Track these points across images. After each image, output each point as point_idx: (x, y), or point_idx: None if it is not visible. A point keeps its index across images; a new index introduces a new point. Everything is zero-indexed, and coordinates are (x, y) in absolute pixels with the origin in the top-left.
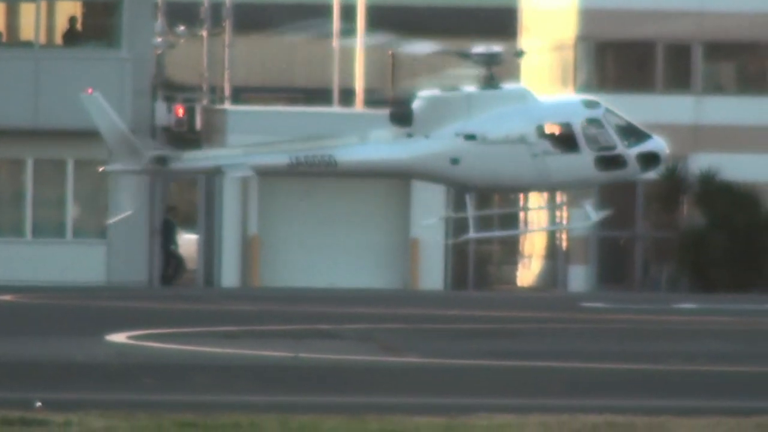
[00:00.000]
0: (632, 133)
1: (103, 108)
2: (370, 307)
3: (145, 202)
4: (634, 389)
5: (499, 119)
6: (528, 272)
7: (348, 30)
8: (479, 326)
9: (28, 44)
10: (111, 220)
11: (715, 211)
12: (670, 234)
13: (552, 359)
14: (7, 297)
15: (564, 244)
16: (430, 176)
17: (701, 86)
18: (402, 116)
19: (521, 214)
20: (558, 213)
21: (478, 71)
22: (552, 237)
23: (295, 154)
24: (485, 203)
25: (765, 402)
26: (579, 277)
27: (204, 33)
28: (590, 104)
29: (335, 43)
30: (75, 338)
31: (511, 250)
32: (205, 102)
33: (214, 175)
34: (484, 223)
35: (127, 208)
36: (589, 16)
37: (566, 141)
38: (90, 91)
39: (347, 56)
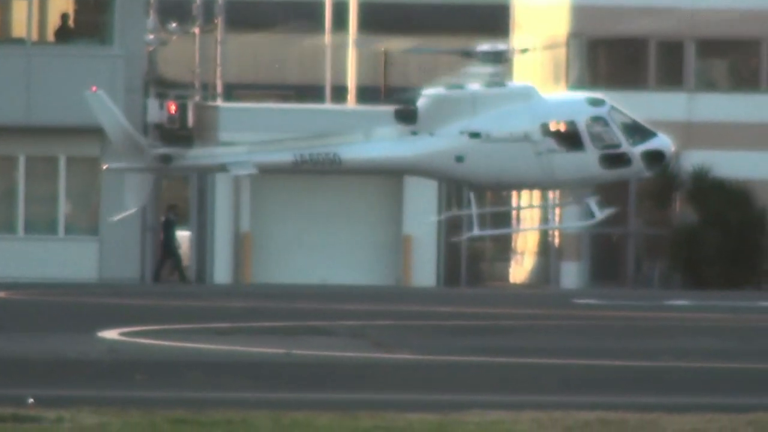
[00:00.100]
0: (637, 131)
1: (107, 106)
2: (363, 303)
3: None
4: (627, 386)
5: (504, 117)
6: (520, 269)
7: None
8: (472, 323)
9: (20, 41)
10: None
11: (708, 208)
12: (662, 231)
13: (544, 356)
14: None
15: (556, 241)
16: (435, 174)
17: (694, 83)
18: (407, 114)
19: (522, 213)
20: (552, 211)
21: (472, 69)
22: (544, 234)
23: (299, 151)
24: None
25: (757, 399)
26: (571, 274)
27: (196, 30)
28: (595, 102)
29: (327, 40)
30: (67, 335)
31: (504, 247)
32: (197, 99)
33: (218, 172)
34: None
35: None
36: (581, 13)
37: (571, 139)
38: (94, 89)
39: (339, 53)
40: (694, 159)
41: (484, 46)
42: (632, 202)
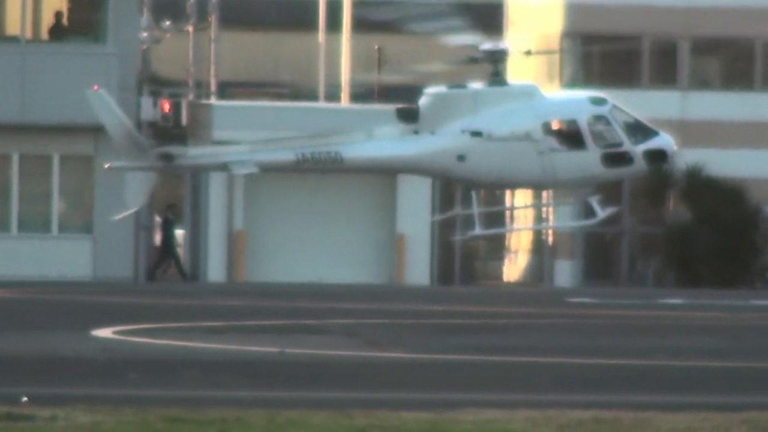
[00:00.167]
0: (639, 130)
1: (108, 105)
2: (357, 302)
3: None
4: (621, 384)
5: (505, 116)
6: (514, 267)
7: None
8: (465, 321)
9: (14, 39)
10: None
11: (702, 206)
12: (656, 229)
13: (538, 354)
14: None
15: (550, 240)
16: (436, 173)
17: (687, 82)
18: (408, 113)
19: (521, 212)
20: (554, 210)
21: (466, 67)
22: (538, 232)
23: (301, 150)
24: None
25: (751, 397)
26: (565, 273)
27: (190, 28)
28: (597, 101)
29: (321, 38)
30: (61, 333)
31: (498, 246)
32: (190, 97)
33: (219, 171)
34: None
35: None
36: (575, 11)
37: (572, 138)
38: (96, 87)
39: (333, 51)
40: (687, 157)
41: (487, 44)
42: (626, 200)
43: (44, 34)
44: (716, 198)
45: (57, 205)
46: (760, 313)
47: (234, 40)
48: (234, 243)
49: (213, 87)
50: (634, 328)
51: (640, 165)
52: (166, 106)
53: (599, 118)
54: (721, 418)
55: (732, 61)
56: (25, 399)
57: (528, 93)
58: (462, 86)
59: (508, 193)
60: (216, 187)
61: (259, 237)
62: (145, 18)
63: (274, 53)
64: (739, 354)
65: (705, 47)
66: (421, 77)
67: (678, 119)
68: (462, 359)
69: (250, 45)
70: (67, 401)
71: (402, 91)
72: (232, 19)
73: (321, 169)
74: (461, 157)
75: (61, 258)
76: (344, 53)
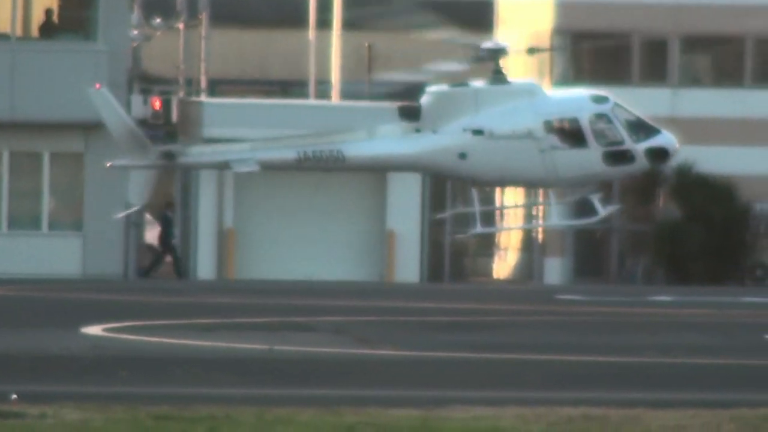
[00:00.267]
0: (641, 128)
1: (110, 103)
2: (346, 299)
3: (121, 196)
4: (610, 381)
5: (507, 114)
6: (504, 265)
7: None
8: (455, 318)
9: (4, 36)
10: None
11: (691, 203)
12: (646, 227)
13: (528, 352)
14: None
15: (540, 237)
16: (438, 171)
17: (677, 79)
18: (410, 111)
19: (519, 210)
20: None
21: (459, 65)
22: (528, 230)
23: (302, 149)
24: (462, 199)
25: (740, 394)
26: (555, 270)
27: (180, 25)
28: (598, 99)
29: (311, 35)
30: (51, 330)
31: (487, 243)
32: (181, 94)
33: (221, 169)
34: (467, 219)
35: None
36: (565, 8)
37: (574, 136)
38: (98, 86)
39: (323, 48)
40: (677, 154)
41: (487, 42)
42: (615, 197)
43: (34, 32)
44: (706, 195)
45: (47, 203)
46: (750, 310)
47: (224, 38)
48: (224, 241)
49: (203, 84)
50: (624, 325)
51: (641, 163)
52: (157, 104)
53: (601, 116)
54: (710, 414)
55: (722, 58)
56: (14, 396)
57: (529, 91)
58: (463, 85)
59: (505, 191)
60: (206, 185)
61: (249, 235)
62: (136, 15)
63: (264, 50)
64: (728, 351)
65: (695, 44)
66: (418, 76)
67: (668, 116)
68: (452, 356)
69: (240, 42)
70: (56, 399)
71: (393, 88)
72: (222, 17)
73: (323, 167)
74: (463, 156)
75: (51, 255)
76: (334, 50)
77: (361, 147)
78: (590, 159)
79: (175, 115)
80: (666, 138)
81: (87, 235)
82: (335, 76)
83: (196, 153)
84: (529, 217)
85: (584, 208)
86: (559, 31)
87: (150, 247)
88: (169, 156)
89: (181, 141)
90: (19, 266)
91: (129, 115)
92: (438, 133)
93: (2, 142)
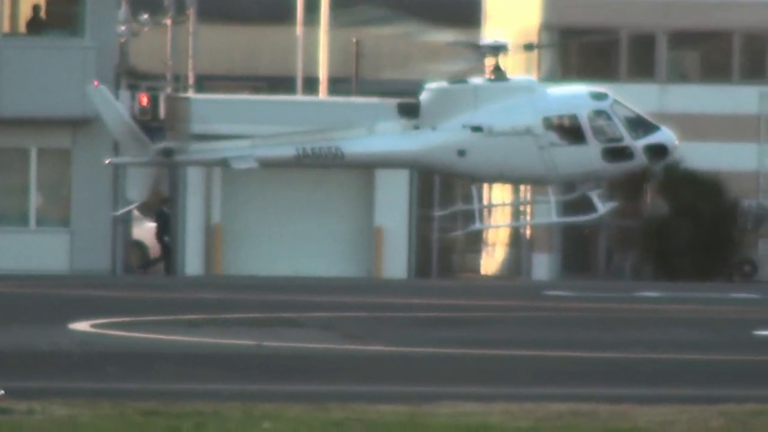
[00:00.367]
0: (640, 125)
1: (109, 100)
2: (334, 295)
3: (109, 192)
4: (598, 377)
5: (506, 111)
6: (492, 260)
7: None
8: (443, 314)
9: None
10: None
11: (679, 199)
12: (633, 222)
13: (516, 347)
14: None
15: (528, 233)
16: (437, 168)
17: (665, 75)
18: (409, 108)
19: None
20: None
21: (451, 64)
22: (524, 227)
23: (301, 145)
24: (448, 196)
25: (728, 390)
26: (543, 266)
27: (168, 21)
28: (597, 96)
29: (299, 31)
30: (38, 326)
31: (475, 239)
32: (168, 90)
33: (219, 166)
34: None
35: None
36: (553, 5)
37: (573, 133)
38: (96, 83)
39: (311, 44)
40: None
41: (487, 39)
42: (604, 193)
43: (22, 28)
44: (694, 191)
45: (34, 199)
46: (738, 306)
47: (212, 34)
48: (212, 237)
49: (191, 80)
50: (612, 321)
51: (640, 160)
52: (144, 100)
53: (600, 113)
54: (698, 410)
55: (710, 54)
56: (1, 392)
57: (528, 88)
58: (462, 81)
59: (492, 188)
60: (193, 180)
61: (236, 230)
62: (123, 11)
63: (252, 47)
64: (716, 347)
65: (683, 40)
66: (406, 73)
67: (656, 112)
68: (439, 352)
69: (228, 38)
70: (44, 394)
71: (380, 84)
72: (210, 13)
73: (321, 164)
74: (462, 153)
75: (39, 251)
76: (322, 46)
77: (360, 144)
78: (589, 156)
79: (162, 111)
80: (665, 135)
81: (75, 232)
82: (323, 73)
83: (194, 150)
84: (525, 214)
85: (583, 205)
86: (547, 27)
87: (138, 243)
88: (168, 153)
89: (169, 137)
90: (6, 262)
91: (128, 113)
92: (437, 130)
93: None
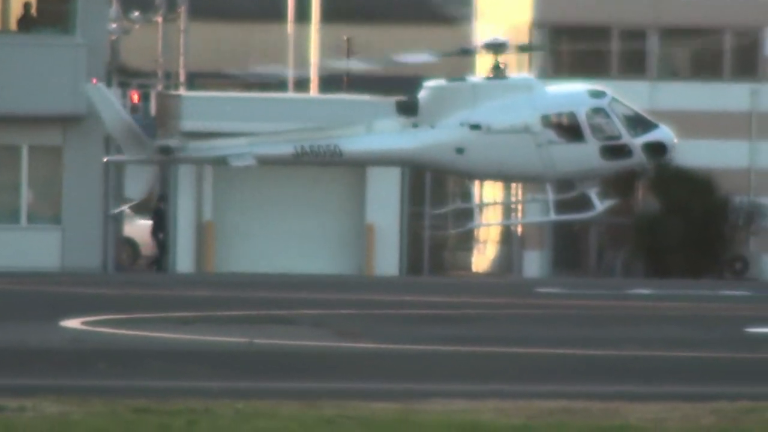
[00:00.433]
0: (638, 123)
1: (107, 98)
2: (325, 292)
3: (100, 189)
4: (590, 375)
5: (504, 109)
6: (483, 258)
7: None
8: (435, 312)
9: None
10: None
11: (670, 196)
12: (625, 220)
13: (507, 345)
14: None
15: (519, 230)
16: (435, 166)
17: (656, 72)
18: (408, 106)
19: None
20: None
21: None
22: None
23: (300, 143)
24: (440, 194)
25: (720, 387)
26: (534, 263)
27: (159, 19)
28: (596, 94)
29: (290, 28)
30: (29, 324)
31: (467, 236)
32: (159, 88)
33: (218, 164)
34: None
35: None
36: (544, 2)
37: (571, 130)
38: (95, 81)
39: (302, 43)
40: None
41: (486, 38)
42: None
43: (13, 25)
44: (685, 188)
45: (26, 196)
46: (729, 303)
47: (203, 31)
48: (203, 234)
49: (182, 78)
50: (603, 318)
51: (639, 157)
52: (135, 97)
53: (598, 111)
54: (690, 407)
55: (701, 51)
56: None
57: (527, 86)
58: (461, 79)
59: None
60: (185, 178)
61: (227, 228)
62: (114, 9)
63: (243, 44)
64: (708, 344)
65: (673, 37)
66: (394, 68)
67: (647, 109)
68: (431, 349)
69: (219, 36)
70: (35, 392)
71: (370, 82)
72: (201, 10)
73: (320, 162)
74: (460, 150)
75: (30, 248)
76: (313, 44)
77: (358, 142)
78: (588, 153)
79: (153, 109)
80: (664, 132)
81: (66, 229)
82: (314, 70)
83: (192, 148)
84: (521, 211)
85: (580, 203)
86: (538, 24)
87: (129, 240)
88: (166, 151)
89: (159, 134)
90: None
91: (126, 111)
92: (435, 128)
93: None
